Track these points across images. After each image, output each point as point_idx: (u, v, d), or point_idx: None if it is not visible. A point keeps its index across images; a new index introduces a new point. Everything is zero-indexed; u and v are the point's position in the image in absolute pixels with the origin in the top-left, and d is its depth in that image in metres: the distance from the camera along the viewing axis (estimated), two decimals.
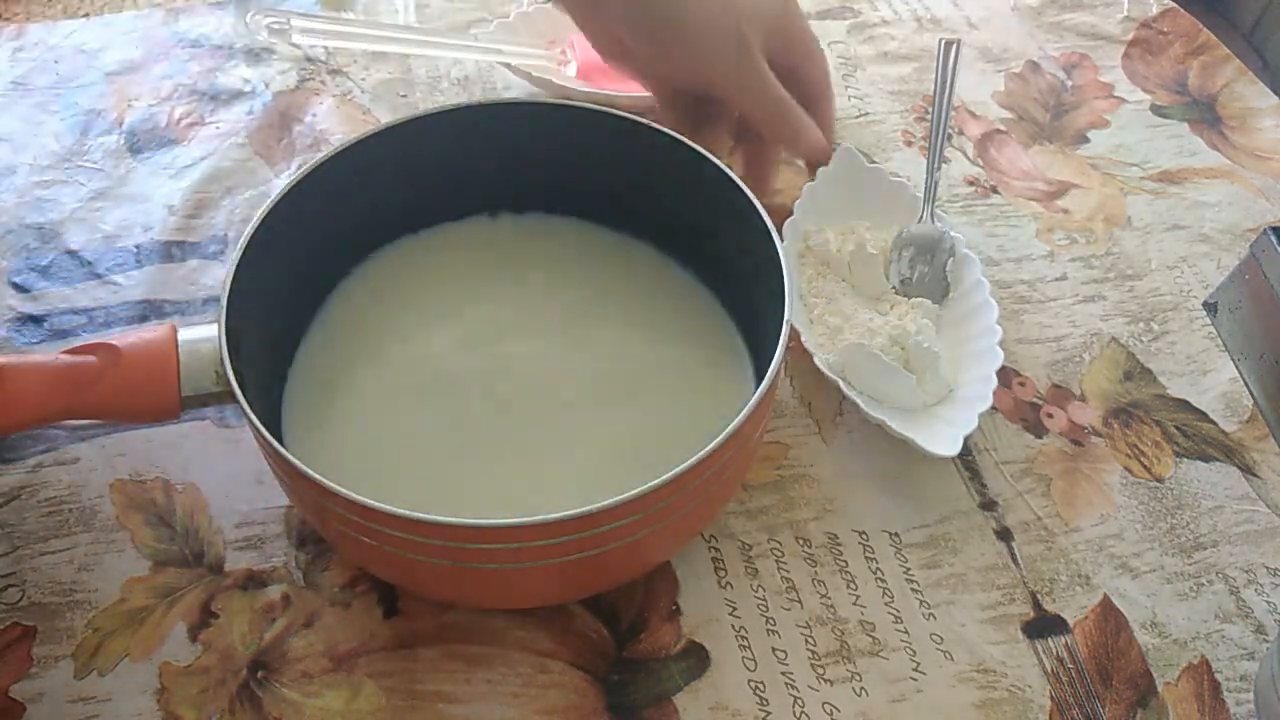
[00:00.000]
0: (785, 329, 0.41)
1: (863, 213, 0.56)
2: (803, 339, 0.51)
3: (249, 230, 0.44)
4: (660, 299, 0.52)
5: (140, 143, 0.64)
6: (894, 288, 0.54)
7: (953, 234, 0.55)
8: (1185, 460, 0.52)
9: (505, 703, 0.43)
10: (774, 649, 0.45)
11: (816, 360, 0.50)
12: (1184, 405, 0.54)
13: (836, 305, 0.53)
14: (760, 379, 0.41)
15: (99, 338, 0.43)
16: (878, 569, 0.47)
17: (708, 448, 0.38)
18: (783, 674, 0.44)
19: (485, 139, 0.51)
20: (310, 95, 0.67)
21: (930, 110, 0.64)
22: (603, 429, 0.47)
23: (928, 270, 0.55)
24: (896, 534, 0.48)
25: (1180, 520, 0.50)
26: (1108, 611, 0.46)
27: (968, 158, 0.65)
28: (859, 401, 0.49)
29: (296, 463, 0.38)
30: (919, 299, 0.53)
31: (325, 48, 0.70)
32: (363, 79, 0.68)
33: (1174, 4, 0.76)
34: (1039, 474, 0.51)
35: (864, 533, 0.48)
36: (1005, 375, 0.54)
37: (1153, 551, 0.48)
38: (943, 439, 0.48)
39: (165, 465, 0.50)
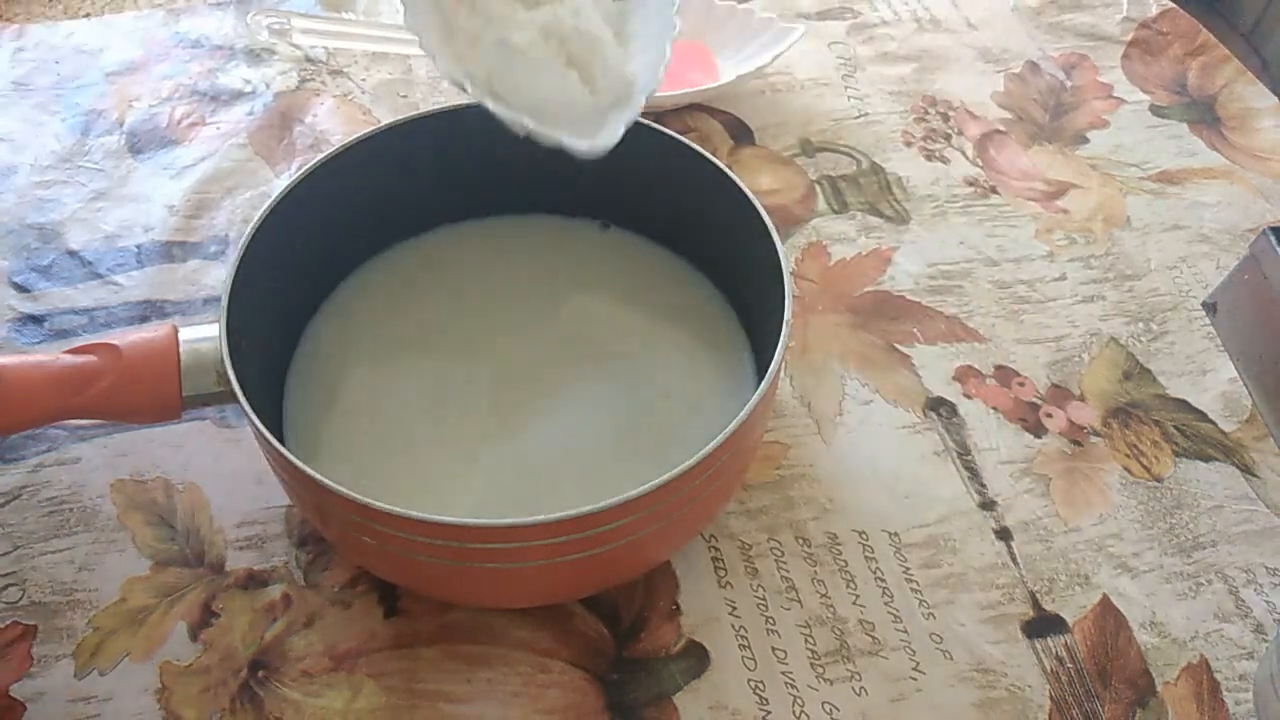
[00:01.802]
0: (785, 329, 0.42)
1: None
2: (437, 61, 0.39)
3: (249, 230, 0.44)
4: (661, 299, 0.52)
5: (141, 143, 0.64)
6: None
7: None
8: (1184, 460, 0.52)
9: (505, 702, 0.43)
10: (774, 648, 0.45)
11: (453, 76, 0.39)
12: (1183, 405, 0.54)
13: (478, 5, 0.40)
14: (760, 379, 0.41)
15: (99, 338, 0.43)
16: (877, 569, 0.47)
17: (708, 448, 0.38)
18: (783, 673, 0.44)
19: (485, 139, 0.51)
20: (311, 96, 0.67)
21: (929, 110, 0.64)
22: (603, 429, 0.48)
23: None
24: (896, 534, 0.48)
25: (1179, 520, 0.50)
26: (1107, 611, 0.46)
27: (967, 158, 0.65)
28: (518, 118, 0.38)
29: (297, 463, 0.38)
30: None
31: (325, 48, 0.70)
32: (363, 79, 0.68)
33: (1174, 4, 0.76)
34: (1038, 474, 0.51)
35: (864, 532, 0.48)
36: (1004, 375, 0.54)
37: (1152, 551, 0.48)
38: (598, 131, 0.38)
39: (166, 465, 0.50)
